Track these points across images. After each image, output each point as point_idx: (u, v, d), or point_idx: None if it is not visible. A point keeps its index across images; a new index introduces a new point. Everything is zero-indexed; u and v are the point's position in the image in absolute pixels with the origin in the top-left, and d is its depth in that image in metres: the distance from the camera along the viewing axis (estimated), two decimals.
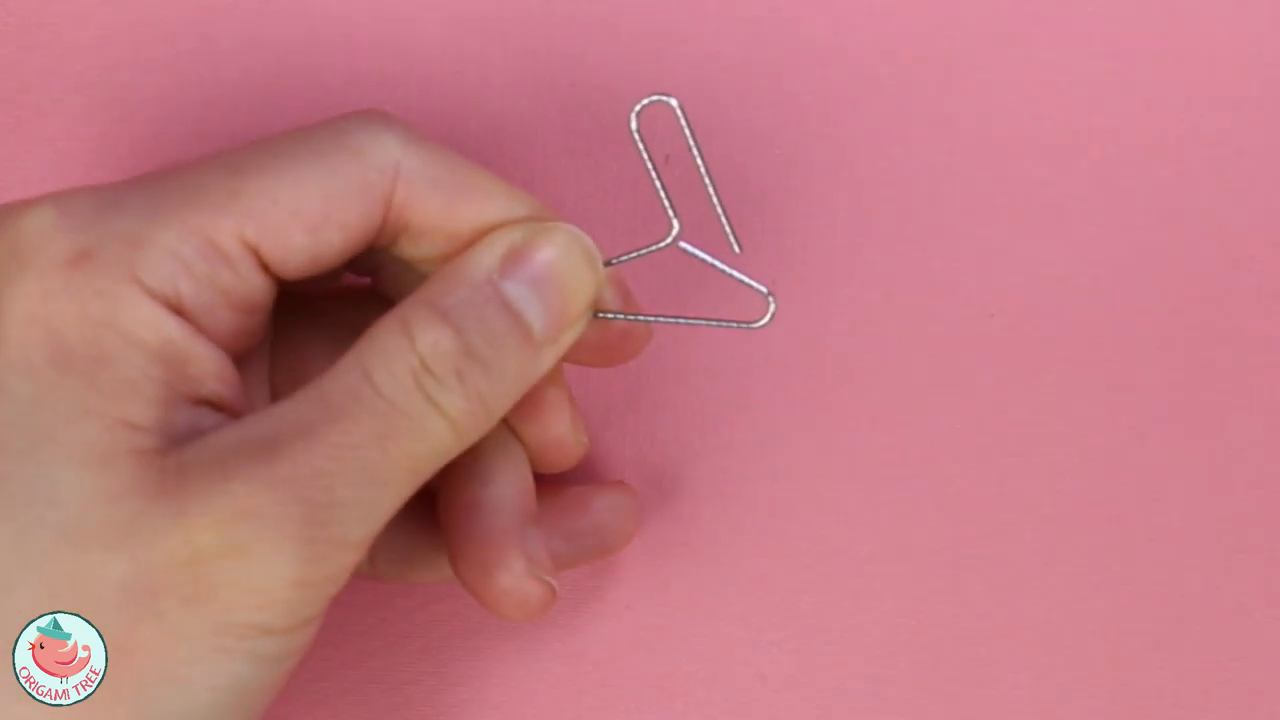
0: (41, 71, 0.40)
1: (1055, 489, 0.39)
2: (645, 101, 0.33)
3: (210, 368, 0.30)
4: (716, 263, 0.33)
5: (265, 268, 0.31)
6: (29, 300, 0.29)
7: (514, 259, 0.31)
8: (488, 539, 0.34)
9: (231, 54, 0.40)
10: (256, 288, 0.31)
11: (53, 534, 0.28)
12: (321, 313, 0.35)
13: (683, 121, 0.33)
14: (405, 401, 0.29)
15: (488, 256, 0.31)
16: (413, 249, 0.32)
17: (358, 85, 0.40)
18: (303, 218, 0.30)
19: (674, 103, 0.33)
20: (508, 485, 0.34)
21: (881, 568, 0.39)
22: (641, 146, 0.33)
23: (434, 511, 0.35)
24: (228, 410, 0.30)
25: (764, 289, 0.34)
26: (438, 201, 0.32)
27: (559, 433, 0.35)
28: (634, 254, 0.34)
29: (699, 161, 0.33)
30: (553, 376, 0.34)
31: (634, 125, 0.33)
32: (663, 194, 0.33)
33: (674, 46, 0.40)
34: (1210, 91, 0.40)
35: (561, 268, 0.31)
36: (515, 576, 0.33)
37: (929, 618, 0.39)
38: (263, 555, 0.28)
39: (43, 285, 0.29)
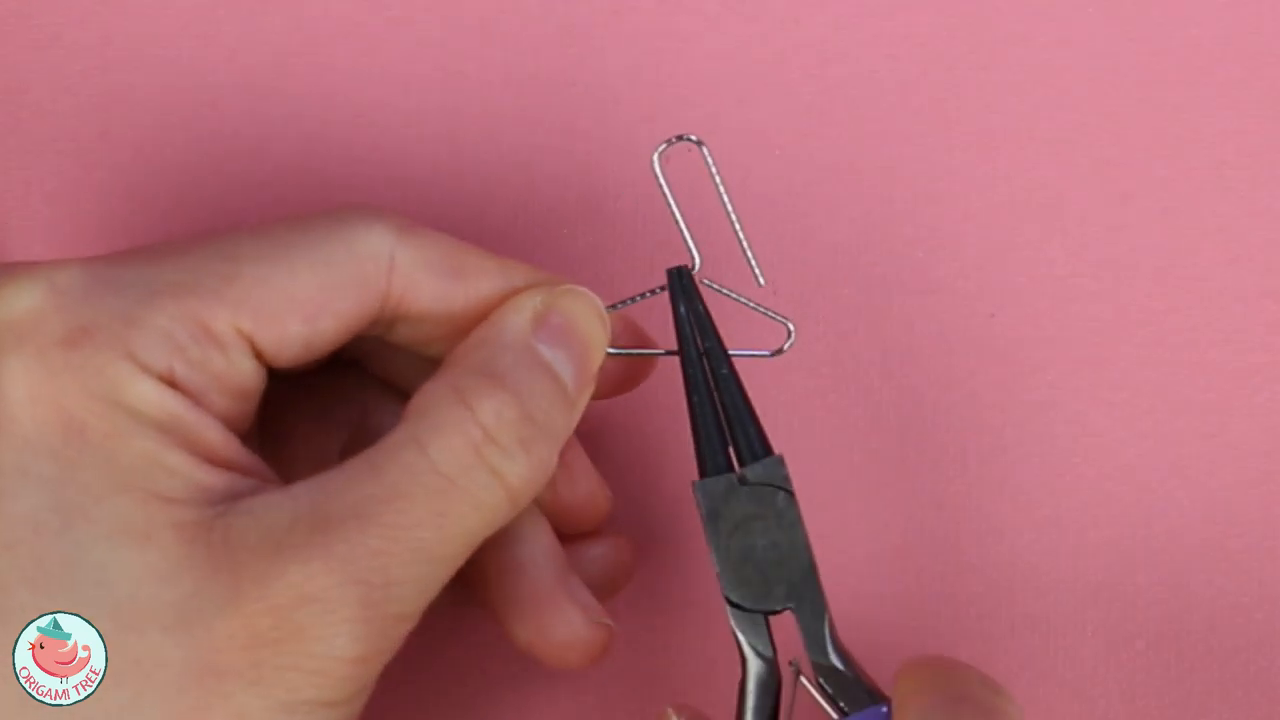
0: (42, 71, 0.40)
1: (1054, 489, 0.39)
2: (665, 145, 0.33)
3: (218, 438, 0.30)
4: (740, 297, 0.34)
5: (258, 355, 0.30)
6: (32, 379, 0.28)
7: (542, 322, 0.32)
8: (537, 596, 0.34)
9: (231, 54, 0.40)
10: (248, 374, 0.30)
11: (105, 615, 0.28)
12: (309, 387, 0.35)
13: (709, 161, 0.33)
14: (464, 477, 0.29)
15: (520, 320, 0.32)
16: (409, 334, 0.33)
17: (358, 86, 0.40)
18: (299, 307, 0.30)
19: (703, 147, 0.33)
20: (541, 540, 0.34)
21: (882, 567, 0.39)
22: (664, 184, 0.33)
23: None
24: (254, 476, 0.30)
25: (785, 319, 0.34)
26: (433, 287, 0.32)
27: (589, 487, 0.35)
28: (653, 291, 0.34)
29: (725, 202, 0.33)
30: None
31: (657, 166, 0.33)
32: (684, 229, 0.33)
33: (674, 46, 0.40)
34: (1210, 91, 0.40)
35: (583, 327, 0.32)
36: (574, 627, 0.33)
37: (929, 618, 0.39)
38: (322, 638, 0.28)
39: (44, 363, 0.28)
